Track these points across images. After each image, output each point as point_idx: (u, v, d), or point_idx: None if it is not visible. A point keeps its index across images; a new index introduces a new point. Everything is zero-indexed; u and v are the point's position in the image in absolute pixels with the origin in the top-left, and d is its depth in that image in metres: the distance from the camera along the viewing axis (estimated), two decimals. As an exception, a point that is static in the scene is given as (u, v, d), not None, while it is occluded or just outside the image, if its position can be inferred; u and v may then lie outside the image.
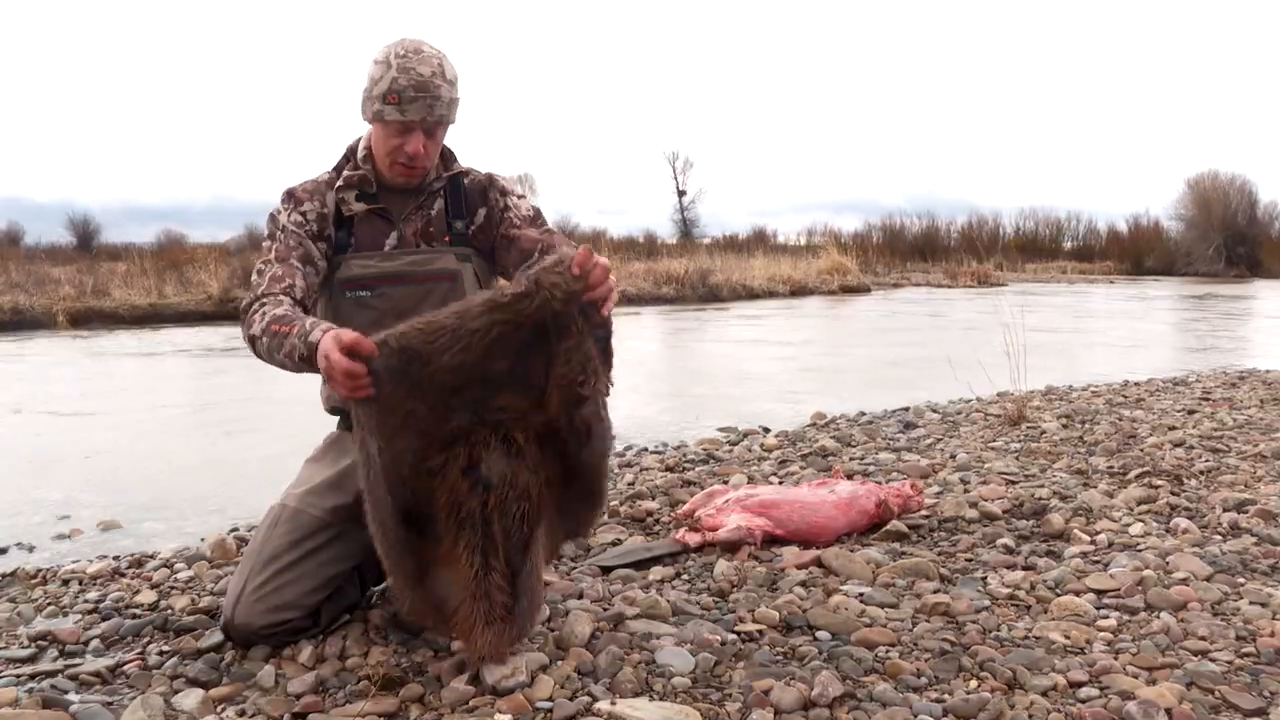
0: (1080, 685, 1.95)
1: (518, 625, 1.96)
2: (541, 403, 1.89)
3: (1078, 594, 2.47)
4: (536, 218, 2.39)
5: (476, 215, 2.37)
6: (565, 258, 1.82)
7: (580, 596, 2.46)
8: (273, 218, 2.30)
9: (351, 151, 2.37)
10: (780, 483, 3.71)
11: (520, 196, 2.42)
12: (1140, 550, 2.80)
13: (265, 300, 2.11)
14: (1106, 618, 2.31)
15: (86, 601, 2.57)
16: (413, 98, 2.15)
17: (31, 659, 2.19)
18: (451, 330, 1.80)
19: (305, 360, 1.94)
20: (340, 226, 2.31)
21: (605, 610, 2.33)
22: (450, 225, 2.34)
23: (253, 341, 2.09)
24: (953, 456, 4.15)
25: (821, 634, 2.21)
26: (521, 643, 2.04)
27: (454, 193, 2.36)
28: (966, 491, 3.50)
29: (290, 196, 2.31)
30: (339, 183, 2.32)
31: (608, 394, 1.97)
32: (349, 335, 1.80)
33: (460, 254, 2.31)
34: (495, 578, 1.91)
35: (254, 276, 2.22)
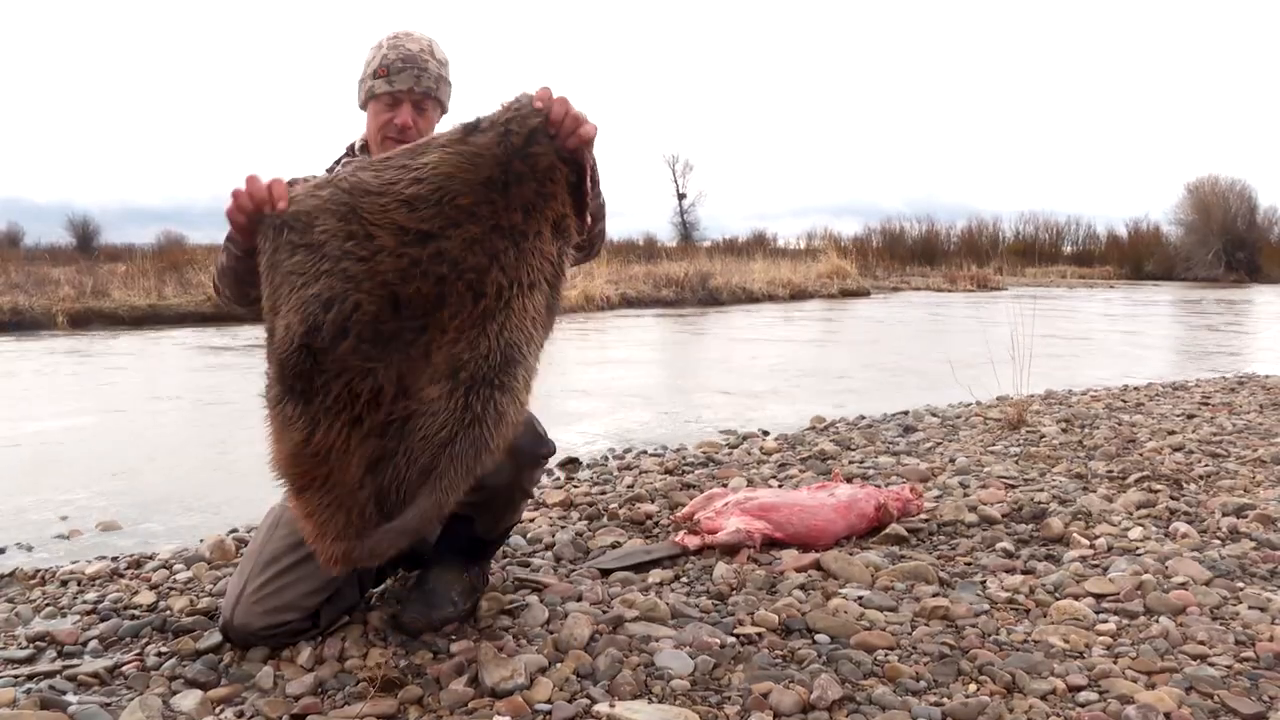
0: (1079, 689, 1.95)
1: (367, 547, 1.79)
2: (506, 248, 1.74)
3: (1077, 598, 2.47)
4: None
5: None
6: (523, 97, 1.76)
7: (579, 599, 2.46)
8: None
9: (351, 149, 2.40)
10: (779, 486, 3.70)
11: None
12: (1139, 555, 2.80)
13: None
14: (1105, 622, 2.32)
15: (85, 602, 2.57)
16: (400, 69, 2.23)
17: (30, 659, 2.18)
18: (402, 165, 1.73)
19: (231, 239, 1.93)
20: None
21: (604, 613, 2.33)
22: None
23: (213, 277, 2.13)
24: (952, 460, 4.15)
25: (820, 637, 2.21)
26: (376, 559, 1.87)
27: None
28: (966, 495, 3.50)
29: (292, 184, 2.33)
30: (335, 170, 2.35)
31: (579, 236, 1.85)
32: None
33: None
34: (365, 494, 1.77)
35: None
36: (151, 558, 3.01)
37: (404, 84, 2.23)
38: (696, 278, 19.00)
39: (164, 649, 2.20)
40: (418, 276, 1.71)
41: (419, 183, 1.71)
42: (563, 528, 3.17)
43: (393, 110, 2.26)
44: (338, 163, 2.37)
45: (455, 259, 1.72)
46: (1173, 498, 3.45)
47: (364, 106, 2.33)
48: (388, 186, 1.71)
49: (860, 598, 2.45)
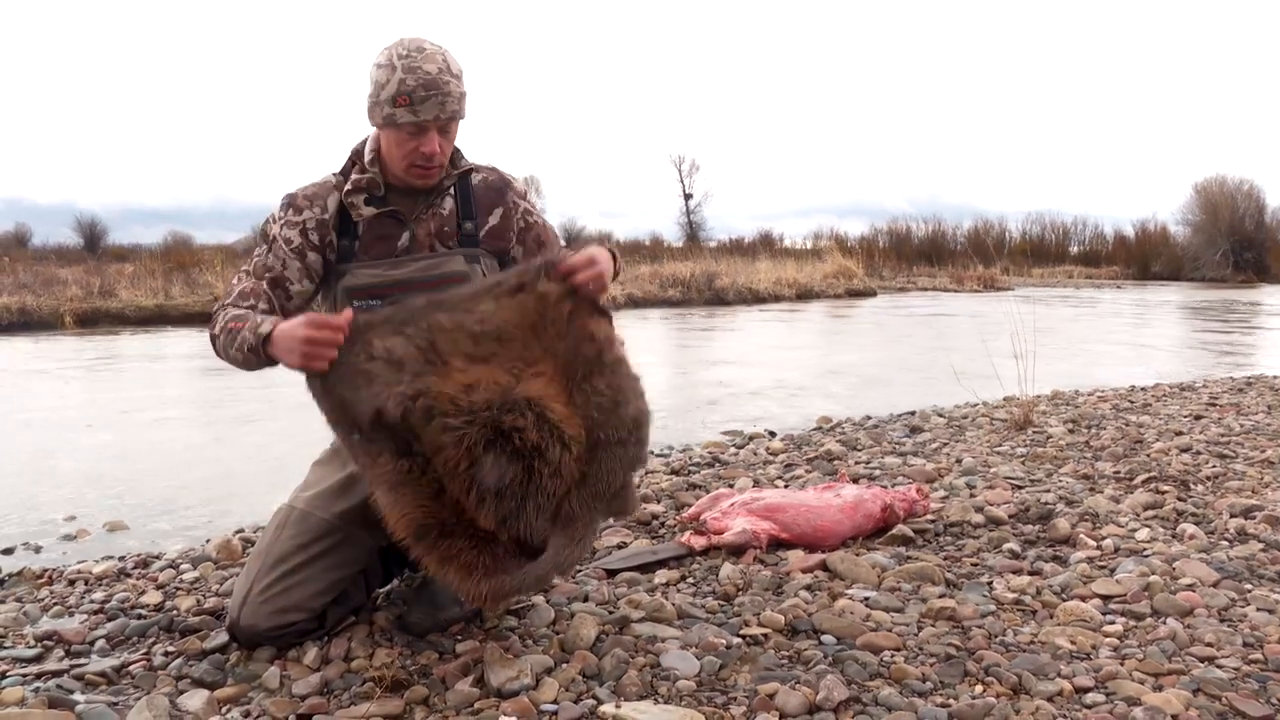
0: (1086, 691, 1.95)
1: (516, 582, 1.94)
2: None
3: (1084, 599, 2.46)
4: (548, 227, 2.44)
5: (490, 216, 2.31)
6: (550, 264, 2.02)
7: (585, 599, 2.46)
8: (267, 225, 2.27)
9: (357, 154, 2.28)
10: (786, 486, 3.70)
11: (526, 196, 2.41)
12: (1147, 556, 2.79)
13: (229, 306, 2.19)
14: (1113, 623, 2.31)
15: (92, 601, 2.58)
16: (424, 97, 2.08)
17: (37, 659, 2.19)
18: (467, 310, 2.00)
19: (254, 351, 2.01)
20: (345, 231, 2.24)
21: (610, 613, 2.33)
22: (460, 225, 2.28)
23: (213, 340, 2.15)
24: (958, 461, 4.15)
25: (827, 638, 2.21)
26: (510, 601, 2.07)
27: (463, 192, 2.31)
28: (972, 496, 3.50)
29: (290, 204, 2.24)
30: (347, 186, 2.24)
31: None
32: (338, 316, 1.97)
33: (469, 255, 2.26)
34: (506, 537, 1.94)
35: (232, 280, 2.26)
36: (158, 557, 3.02)
37: (430, 114, 2.10)
38: (702, 278, 19.00)
39: (171, 648, 2.21)
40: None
41: (483, 322, 1.99)
42: (568, 528, 3.17)
43: (418, 138, 2.13)
44: (344, 172, 2.28)
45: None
46: (1180, 499, 3.44)
47: (381, 127, 2.19)
48: (458, 325, 1.98)
49: (866, 598, 2.45)
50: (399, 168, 2.21)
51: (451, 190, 2.30)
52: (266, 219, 2.29)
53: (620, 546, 2.97)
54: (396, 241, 2.25)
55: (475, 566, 1.91)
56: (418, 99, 2.08)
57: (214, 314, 2.19)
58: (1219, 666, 2.06)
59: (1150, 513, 3.26)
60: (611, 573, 2.70)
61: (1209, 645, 2.17)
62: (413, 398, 1.92)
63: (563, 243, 2.45)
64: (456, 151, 2.32)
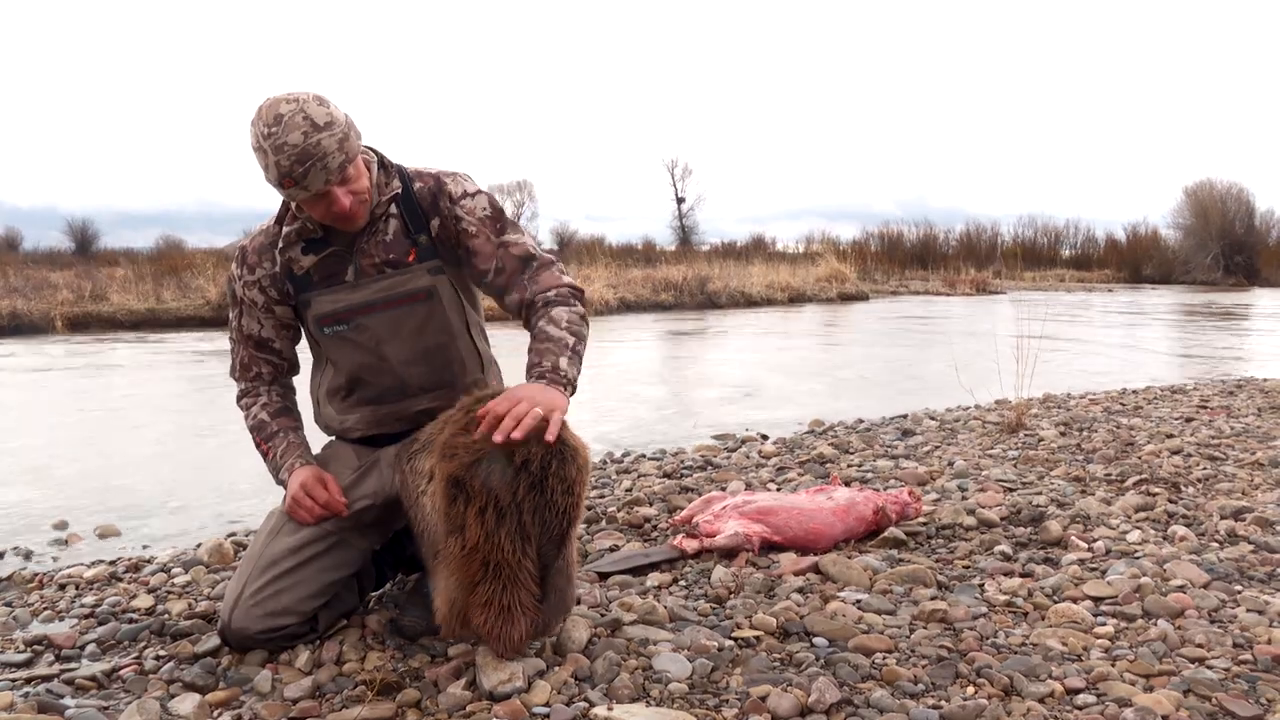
0: (1077, 692, 1.95)
1: (542, 620, 1.99)
2: None
3: (1075, 601, 2.47)
4: (493, 219, 2.24)
5: (431, 224, 2.23)
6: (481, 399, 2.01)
7: (578, 602, 2.45)
8: (231, 282, 2.32)
9: (290, 205, 2.21)
10: (778, 489, 3.70)
11: (471, 195, 2.24)
12: (1138, 557, 2.80)
13: (244, 391, 2.39)
14: (1104, 625, 2.32)
15: (83, 606, 2.57)
16: (304, 172, 1.98)
17: (27, 663, 2.18)
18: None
19: (281, 484, 2.27)
20: (293, 277, 2.23)
21: (602, 616, 2.33)
22: (415, 241, 2.22)
23: (243, 419, 2.38)
24: (950, 464, 4.16)
25: (819, 640, 2.21)
26: (541, 639, 2.08)
27: (408, 207, 2.22)
28: (964, 499, 3.50)
29: (243, 260, 2.27)
30: (280, 244, 2.21)
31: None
32: (321, 494, 2.18)
33: (432, 268, 2.21)
34: (528, 565, 1.93)
35: (230, 340, 2.39)
36: (150, 561, 3.02)
37: (318, 183, 2.00)
38: (695, 282, 19.02)
39: (162, 652, 2.20)
40: None
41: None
42: (561, 531, 3.17)
43: (322, 201, 2.07)
44: (280, 219, 2.24)
45: None
46: (1171, 501, 3.45)
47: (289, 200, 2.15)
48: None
49: (858, 601, 2.45)
50: (325, 222, 2.17)
51: (394, 209, 2.22)
52: (229, 276, 2.33)
53: (612, 549, 2.97)
54: (343, 278, 2.21)
55: (510, 609, 1.92)
56: (299, 175, 1.98)
57: (237, 390, 2.39)
58: (1209, 667, 2.07)
59: (1141, 515, 3.27)
60: (603, 576, 2.70)
61: (1199, 646, 2.18)
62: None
63: (497, 240, 2.23)
64: (389, 166, 2.25)
